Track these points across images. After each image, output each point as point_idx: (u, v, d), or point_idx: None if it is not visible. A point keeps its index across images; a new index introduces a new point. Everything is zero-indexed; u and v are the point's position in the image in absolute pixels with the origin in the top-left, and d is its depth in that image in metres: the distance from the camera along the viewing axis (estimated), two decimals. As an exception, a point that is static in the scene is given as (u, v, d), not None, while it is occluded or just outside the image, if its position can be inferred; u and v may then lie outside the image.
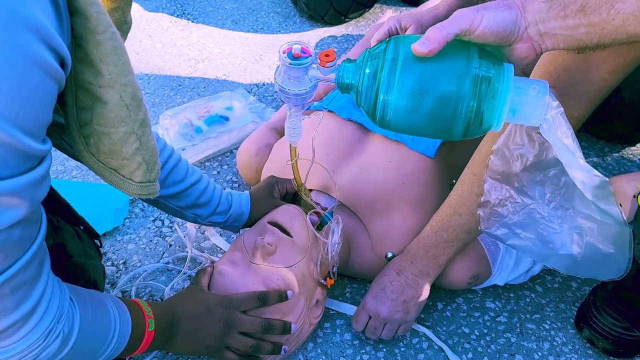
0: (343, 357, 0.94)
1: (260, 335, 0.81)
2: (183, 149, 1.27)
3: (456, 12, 0.56)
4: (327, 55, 0.63)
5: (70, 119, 0.55)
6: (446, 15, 1.02)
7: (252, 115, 1.37)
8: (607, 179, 0.58)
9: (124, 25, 0.59)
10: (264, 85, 1.56)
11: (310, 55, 0.63)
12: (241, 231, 1.01)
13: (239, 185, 1.25)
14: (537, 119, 0.59)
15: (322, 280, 0.91)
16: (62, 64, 0.47)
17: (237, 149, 1.33)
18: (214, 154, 1.31)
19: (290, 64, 0.62)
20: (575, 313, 0.99)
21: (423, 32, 0.97)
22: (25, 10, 0.42)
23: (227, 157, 1.32)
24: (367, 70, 0.60)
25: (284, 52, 0.62)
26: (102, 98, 0.52)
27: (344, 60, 0.63)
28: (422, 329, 0.98)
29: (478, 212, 0.77)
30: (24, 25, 0.41)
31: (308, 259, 0.86)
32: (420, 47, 0.54)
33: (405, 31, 1.02)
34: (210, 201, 0.88)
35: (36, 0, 0.43)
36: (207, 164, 1.30)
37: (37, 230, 0.53)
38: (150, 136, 0.59)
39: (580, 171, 0.59)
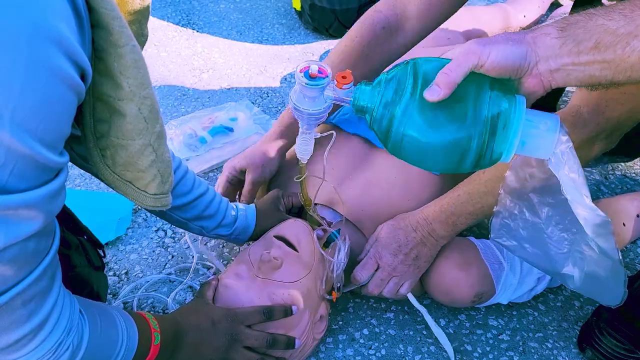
0: (345, 372, 0.93)
1: (264, 350, 0.81)
2: (187, 159, 1.27)
3: (465, 47, 0.56)
4: (344, 77, 0.63)
5: (87, 131, 0.55)
6: (277, 159, 1.02)
7: (256, 126, 1.37)
8: (610, 220, 0.59)
9: (140, 38, 0.59)
10: (268, 96, 1.56)
11: (327, 76, 0.62)
12: (246, 244, 1.01)
13: (242, 197, 1.25)
14: (546, 152, 0.60)
15: (327, 296, 0.91)
16: (83, 77, 0.47)
17: (240, 160, 1.33)
18: (218, 165, 1.31)
19: (306, 84, 0.61)
20: (578, 332, 0.99)
21: (261, 174, 1.00)
22: (49, 23, 0.42)
23: (231, 168, 1.32)
24: (383, 100, 0.60)
25: (300, 71, 0.62)
26: (121, 111, 0.52)
27: (360, 83, 0.63)
28: (418, 305, 0.97)
29: (491, 220, 0.78)
30: (47, 39, 0.42)
31: (314, 275, 0.86)
32: (431, 95, 0.55)
33: (246, 174, 1.01)
34: (216, 214, 0.88)
35: (59, 13, 0.43)
36: (211, 174, 1.30)
37: (50, 242, 0.53)
38: (165, 148, 0.59)
39: (584, 208, 0.60)
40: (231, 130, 1.34)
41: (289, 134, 1.02)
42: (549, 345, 0.99)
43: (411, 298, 0.97)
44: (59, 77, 0.43)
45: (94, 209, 1.15)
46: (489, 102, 0.57)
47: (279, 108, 1.52)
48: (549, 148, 0.60)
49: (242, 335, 0.79)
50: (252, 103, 1.51)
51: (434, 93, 0.55)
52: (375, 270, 0.94)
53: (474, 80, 0.57)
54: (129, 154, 0.55)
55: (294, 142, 1.07)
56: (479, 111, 0.57)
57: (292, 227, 0.88)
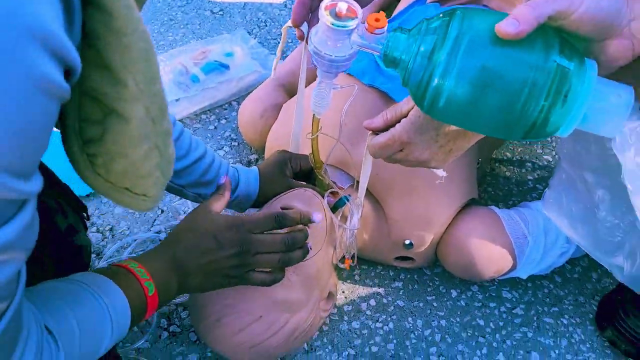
0: (351, 347, 0.87)
1: (279, 264, 0.68)
2: (177, 100, 1.14)
3: None
4: (377, 20, 0.54)
5: (69, 132, 0.43)
6: None
7: (254, 62, 1.23)
8: None
9: None
10: (266, 25, 1.40)
11: (357, 17, 0.54)
12: (248, 212, 0.91)
13: (238, 144, 1.14)
14: (612, 130, 0.51)
15: (340, 264, 0.83)
16: (68, 73, 0.35)
17: (236, 101, 1.20)
18: (211, 106, 1.18)
19: (332, 24, 0.54)
20: (596, 308, 0.94)
21: None
22: (27, 11, 0.30)
23: (226, 109, 1.19)
24: (422, 48, 0.50)
25: (326, 9, 0.54)
26: (123, 114, 0.40)
27: (395, 29, 0.53)
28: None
29: (544, 192, 0.74)
30: (25, 32, 0.30)
31: (326, 248, 0.77)
32: (507, 27, 0.45)
33: None
34: (214, 179, 0.77)
35: None
36: (203, 116, 1.18)
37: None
38: (171, 143, 0.47)
39: None
40: (227, 67, 1.19)
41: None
42: (565, 322, 0.93)
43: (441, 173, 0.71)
44: (39, 86, 0.32)
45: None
46: (557, 63, 0.47)
47: (279, 40, 1.37)
48: (616, 126, 0.50)
49: (254, 243, 0.65)
50: (248, 33, 1.36)
51: (511, 26, 0.45)
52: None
53: (542, 35, 0.48)
54: (130, 162, 0.43)
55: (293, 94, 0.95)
56: (542, 71, 0.47)
57: (302, 199, 0.77)
